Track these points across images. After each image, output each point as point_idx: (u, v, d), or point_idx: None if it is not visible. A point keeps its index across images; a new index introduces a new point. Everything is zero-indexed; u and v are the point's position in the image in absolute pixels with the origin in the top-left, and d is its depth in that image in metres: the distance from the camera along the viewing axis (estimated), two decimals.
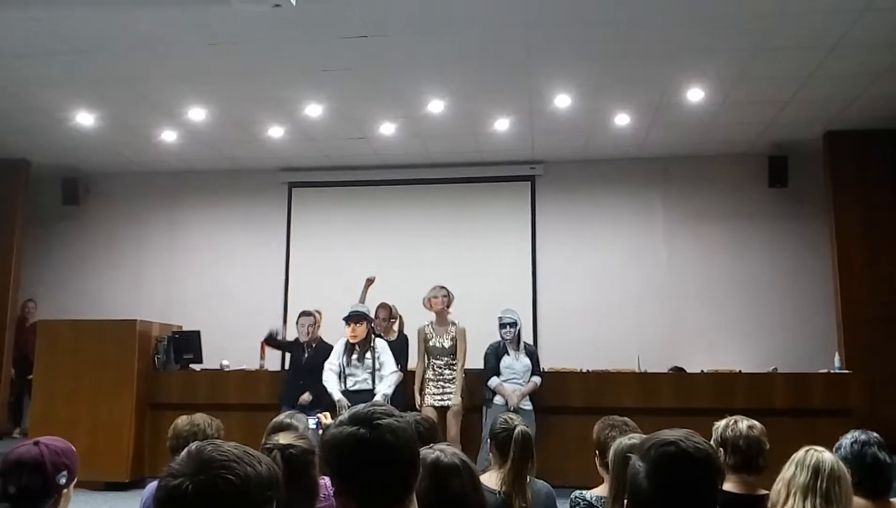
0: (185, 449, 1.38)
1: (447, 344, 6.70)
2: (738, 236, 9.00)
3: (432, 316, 6.86)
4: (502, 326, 6.65)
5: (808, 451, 2.52)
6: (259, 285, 9.18)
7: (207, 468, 1.32)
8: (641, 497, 1.54)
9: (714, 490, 1.53)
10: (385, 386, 6.17)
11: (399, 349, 6.92)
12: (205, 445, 1.38)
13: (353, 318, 6.23)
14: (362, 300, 7.01)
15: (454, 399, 6.54)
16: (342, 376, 6.25)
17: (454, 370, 6.67)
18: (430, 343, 6.76)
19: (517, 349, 6.64)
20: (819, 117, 7.90)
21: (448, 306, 6.82)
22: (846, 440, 2.89)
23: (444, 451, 2.16)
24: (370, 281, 7.20)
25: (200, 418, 3.28)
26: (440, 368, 6.68)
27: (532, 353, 6.77)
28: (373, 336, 6.37)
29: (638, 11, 5.70)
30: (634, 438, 2.57)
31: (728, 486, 2.88)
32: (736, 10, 5.64)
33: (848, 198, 8.29)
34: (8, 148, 8.95)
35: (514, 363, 6.58)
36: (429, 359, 6.76)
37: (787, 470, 2.49)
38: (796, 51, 6.34)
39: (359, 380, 6.23)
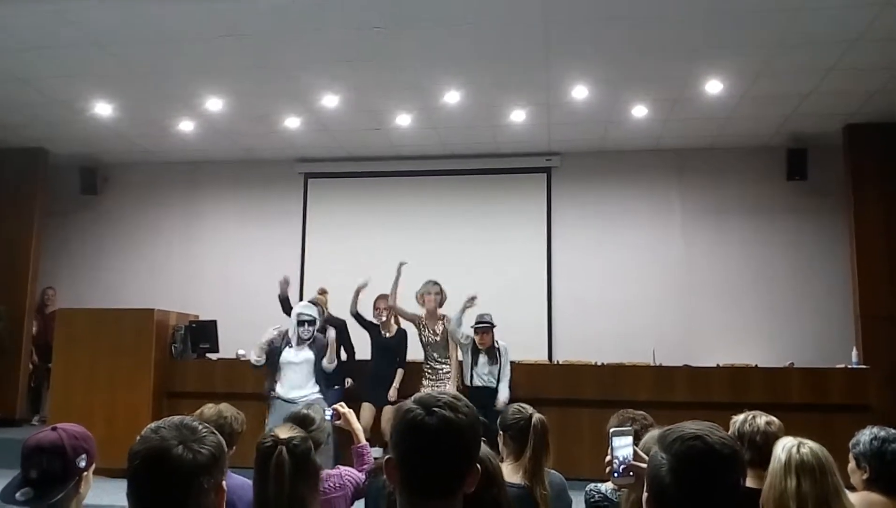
0: (166, 426, 1.60)
1: (438, 337, 6.78)
2: (756, 229, 8.91)
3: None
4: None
5: (783, 450, 2.51)
6: (275, 275, 9.17)
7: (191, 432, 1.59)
8: (664, 491, 1.51)
9: (738, 486, 1.51)
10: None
11: (398, 344, 6.96)
12: (182, 419, 1.63)
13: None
14: (354, 304, 7.00)
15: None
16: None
17: (447, 365, 6.76)
18: (424, 336, 6.84)
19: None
20: (839, 110, 7.81)
21: (440, 305, 6.84)
22: (864, 436, 2.87)
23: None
24: (362, 287, 7.05)
25: (227, 410, 3.32)
26: (437, 364, 6.77)
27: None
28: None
29: (657, 3, 5.65)
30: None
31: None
32: (756, 3, 5.58)
33: (868, 191, 8.20)
34: (26, 137, 9.01)
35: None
36: (425, 353, 6.85)
37: (772, 476, 2.49)
38: (817, 45, 6.27)
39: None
